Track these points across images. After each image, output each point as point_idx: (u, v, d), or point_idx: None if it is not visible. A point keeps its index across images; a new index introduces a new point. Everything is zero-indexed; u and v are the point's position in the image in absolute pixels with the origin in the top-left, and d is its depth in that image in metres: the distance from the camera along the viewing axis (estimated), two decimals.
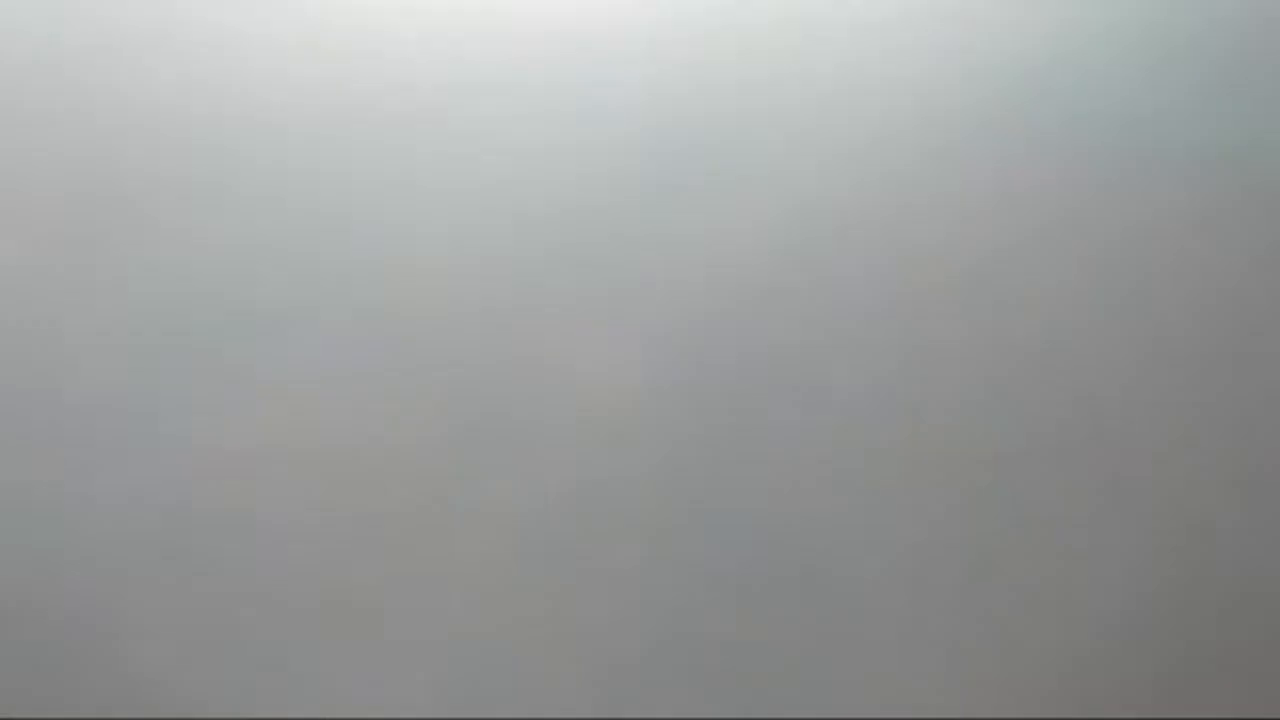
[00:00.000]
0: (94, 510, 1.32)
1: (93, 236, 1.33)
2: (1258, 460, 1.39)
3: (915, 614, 1.36)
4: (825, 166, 1.38)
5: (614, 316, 1.36)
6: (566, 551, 1.36)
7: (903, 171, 1.39)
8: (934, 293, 1.38)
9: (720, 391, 1.37)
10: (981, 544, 1.37)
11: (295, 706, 1.33)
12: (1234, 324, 1.40)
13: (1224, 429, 1.40)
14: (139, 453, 1.33)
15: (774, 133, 1.38)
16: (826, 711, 1.35)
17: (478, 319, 1.35)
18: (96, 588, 1.32)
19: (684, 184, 1.37)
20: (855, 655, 1.36)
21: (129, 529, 1.32)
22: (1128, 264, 1.40)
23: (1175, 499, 1.39)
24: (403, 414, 1.35)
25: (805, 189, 1.38)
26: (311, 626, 1.33)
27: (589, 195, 1.36)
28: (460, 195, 1.36)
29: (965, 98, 1.39)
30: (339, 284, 1.35)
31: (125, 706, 1.32)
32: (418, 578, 1.35)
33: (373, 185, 1.36)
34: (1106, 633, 1.37)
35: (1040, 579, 1.37)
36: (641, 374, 1.36)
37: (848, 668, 1.35)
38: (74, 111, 1.34)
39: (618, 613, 1.35)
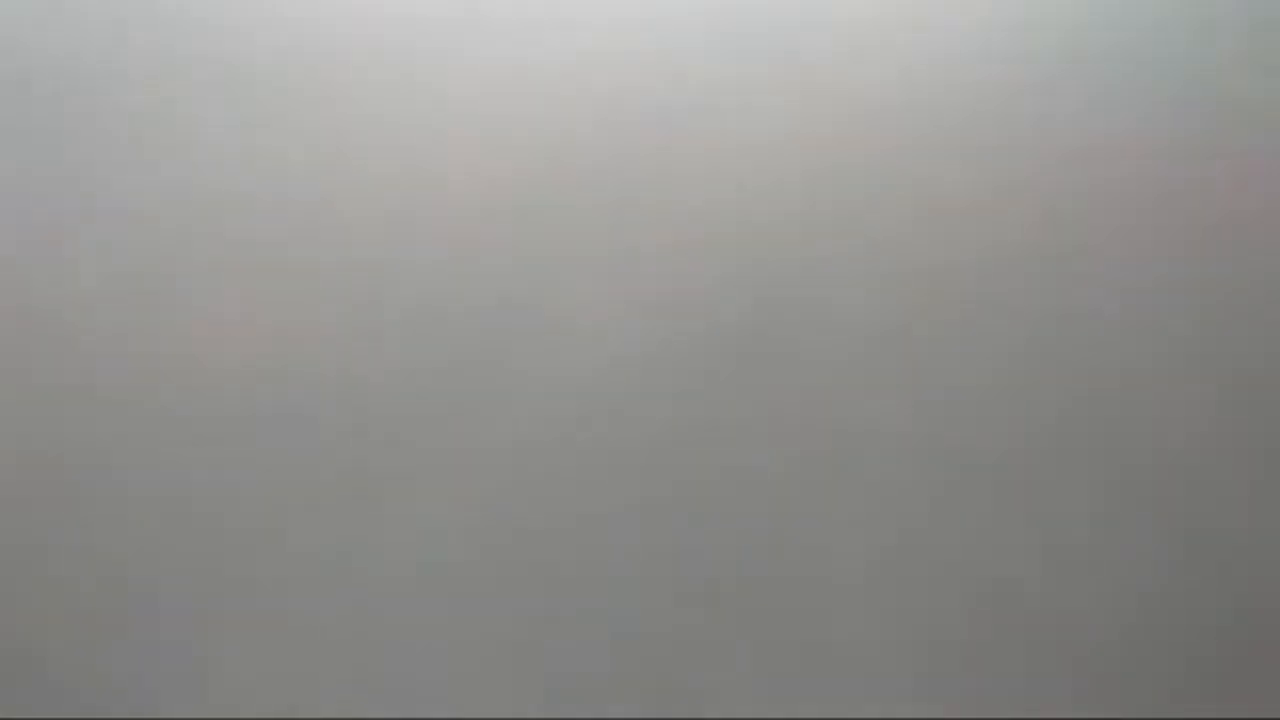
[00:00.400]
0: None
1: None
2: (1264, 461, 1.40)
3: (896, 610, 1.36)
4: (837, 127, 1.38)
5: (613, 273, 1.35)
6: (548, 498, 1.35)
7: (922, 138, 1.39)
8: (941, 279, 1.39)
9: (713, 362, 1.36)
10: (974, 539, 1.37)
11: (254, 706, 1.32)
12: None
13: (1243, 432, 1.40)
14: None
15: (776, 99, 1.38)
16: (806, 710, 1.35)
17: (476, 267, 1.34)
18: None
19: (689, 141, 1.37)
20: (833, 647, 1.36)
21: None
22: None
23: (1180, 501, 1.39)
24: (387, 357, 1.34)
25: (813, 150, 1.37)
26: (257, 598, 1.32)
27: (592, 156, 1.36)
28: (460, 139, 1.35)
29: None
30: (328, 227, 1.33)
31: (107, 705, 1.31)
32: (395, 533, 1.33)
33: (364, 123, 1.34)
34: (1109, 633, 1.38)
35: (1037, 580, 1.38)
36: (638, 336, 1.35)
37: (825, 661, 1.35)
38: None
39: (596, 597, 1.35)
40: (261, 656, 1.31)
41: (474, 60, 1.36)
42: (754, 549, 1.35)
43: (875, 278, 1.38)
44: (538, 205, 1.36)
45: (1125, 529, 1.39)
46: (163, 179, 1.33)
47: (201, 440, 1.32)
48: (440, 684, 1.32)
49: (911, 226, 1.39)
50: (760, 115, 1.38)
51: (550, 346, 1.35)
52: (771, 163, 1.38)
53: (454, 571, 1.33)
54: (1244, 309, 1.41)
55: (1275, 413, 1.40)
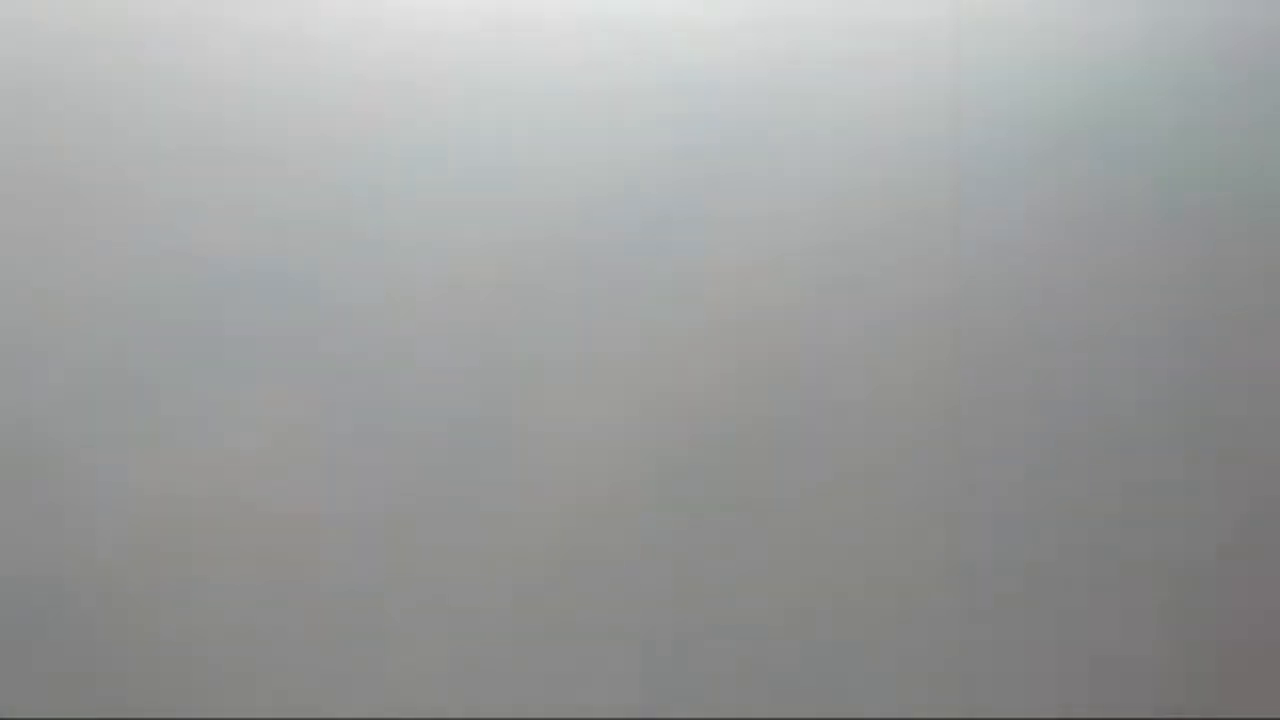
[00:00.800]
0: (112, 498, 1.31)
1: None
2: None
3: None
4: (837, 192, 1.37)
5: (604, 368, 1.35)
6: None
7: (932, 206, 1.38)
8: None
9: (721, 459, 1.35)
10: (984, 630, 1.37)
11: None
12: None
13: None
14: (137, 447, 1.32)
15: (776, 168, 1.37)
16: None
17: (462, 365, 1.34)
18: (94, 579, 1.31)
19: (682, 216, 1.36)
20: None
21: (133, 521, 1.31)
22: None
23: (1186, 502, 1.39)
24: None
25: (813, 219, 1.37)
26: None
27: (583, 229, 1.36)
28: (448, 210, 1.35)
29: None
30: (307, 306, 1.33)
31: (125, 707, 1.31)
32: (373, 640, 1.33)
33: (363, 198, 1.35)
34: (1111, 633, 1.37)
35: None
36: (634, 437, 1.34)
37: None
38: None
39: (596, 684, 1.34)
40: None
41: (437, 174, 1.36)
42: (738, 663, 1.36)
43: (869, 406, 1.38)
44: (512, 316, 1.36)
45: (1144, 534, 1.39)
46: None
47: (170, 543, 1.32)
48: None
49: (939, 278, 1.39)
50: (740, 232, 1.38)
51: (527, 458, 1.34)
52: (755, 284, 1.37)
53: (432, 673, 1.33)
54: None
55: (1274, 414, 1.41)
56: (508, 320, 1.34)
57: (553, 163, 1.33)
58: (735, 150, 1.35)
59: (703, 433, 1.34)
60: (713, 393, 1.35)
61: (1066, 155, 1.38)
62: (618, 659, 1.34)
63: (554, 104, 1.34)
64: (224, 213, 1.31)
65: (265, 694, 1.30)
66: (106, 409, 1.30)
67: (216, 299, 1.30)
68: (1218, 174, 1.39)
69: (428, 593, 1.33)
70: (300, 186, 1.31)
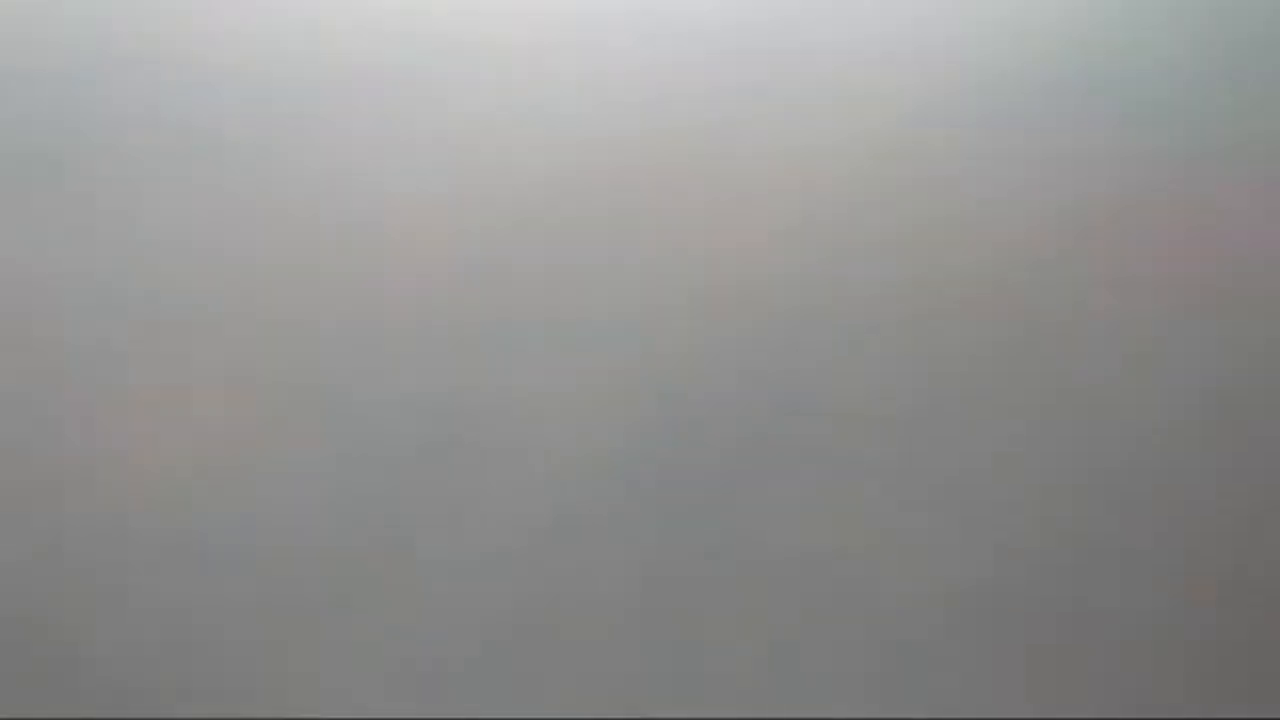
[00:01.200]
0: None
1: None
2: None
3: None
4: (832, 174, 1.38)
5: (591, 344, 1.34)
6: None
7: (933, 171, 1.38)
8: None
9: (712, 434, 1.33)
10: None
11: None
12: None
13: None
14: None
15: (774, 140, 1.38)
16: None
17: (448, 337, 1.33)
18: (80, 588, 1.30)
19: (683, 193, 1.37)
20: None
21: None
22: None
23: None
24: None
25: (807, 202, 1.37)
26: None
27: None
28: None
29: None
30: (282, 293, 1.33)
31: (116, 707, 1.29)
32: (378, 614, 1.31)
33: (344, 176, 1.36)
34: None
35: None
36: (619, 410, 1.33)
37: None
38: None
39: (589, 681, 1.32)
40: None
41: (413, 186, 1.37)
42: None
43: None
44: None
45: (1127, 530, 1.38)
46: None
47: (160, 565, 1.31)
48: None
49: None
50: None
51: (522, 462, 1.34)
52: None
53: (428, 680, 1.32)
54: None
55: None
56: (479, 299, 1.33)
57: (525, 143, 1.35)
58: (717, 126, 1.37)
59: (681, 406, 1.34)
60: (690, 368, 1.34)
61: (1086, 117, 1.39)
62: (600, 642, 1.32)
63: (529, 84, 1.36)
64: (196, 204, 1.33)
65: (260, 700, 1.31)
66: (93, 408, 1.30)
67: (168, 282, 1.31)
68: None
69: (409, 571, 1.31)
70: (269, 176, 1.33)
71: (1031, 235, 1.38)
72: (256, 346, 1.31)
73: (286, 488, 1.30)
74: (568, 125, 1.36)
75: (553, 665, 1.31)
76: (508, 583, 1.31)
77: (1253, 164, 1.40)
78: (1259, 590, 1.37)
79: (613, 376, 1.33)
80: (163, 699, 1.24)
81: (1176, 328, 1.39)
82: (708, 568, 1.33)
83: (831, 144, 1.38)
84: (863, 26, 1.40)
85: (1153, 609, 1.37)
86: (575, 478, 1.32)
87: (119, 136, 1.34)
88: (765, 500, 1.33)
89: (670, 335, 1.35)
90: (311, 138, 1.35)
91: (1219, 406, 1.39)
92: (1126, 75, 1.41)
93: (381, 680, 1.29)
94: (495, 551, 1.31)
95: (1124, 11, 1.42)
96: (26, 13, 1.37)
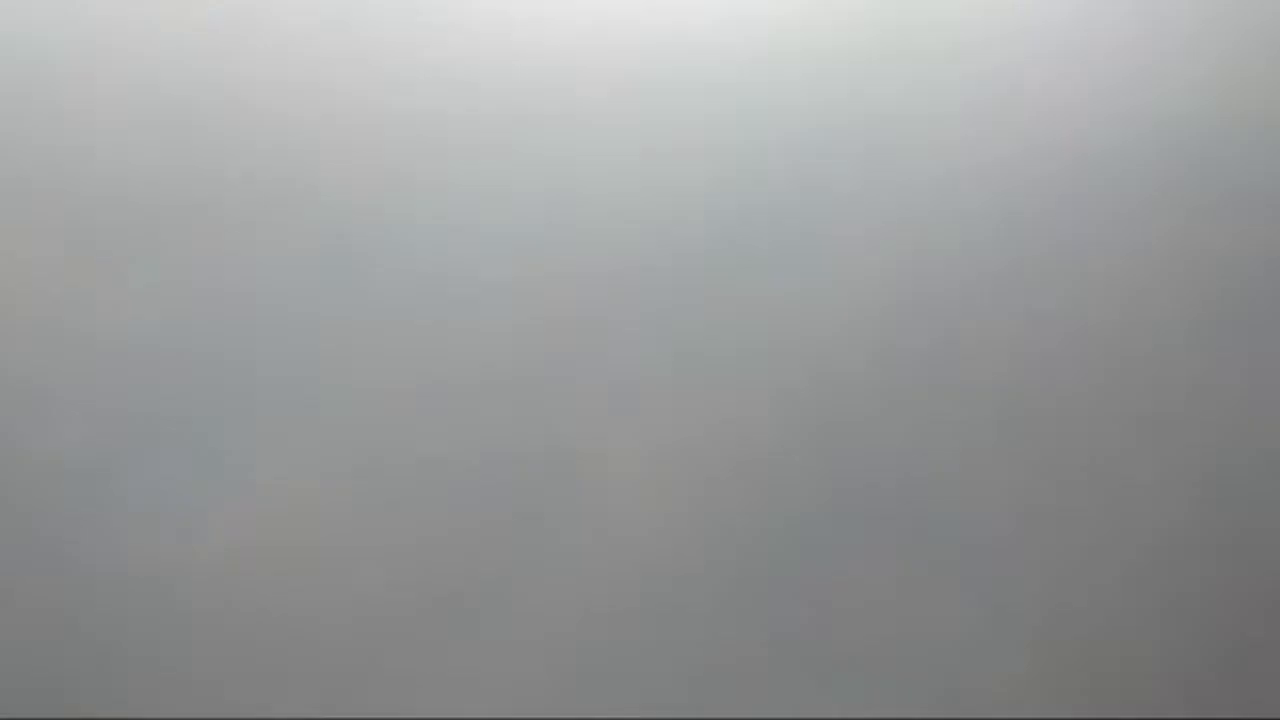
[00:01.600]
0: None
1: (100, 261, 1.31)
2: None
3: None
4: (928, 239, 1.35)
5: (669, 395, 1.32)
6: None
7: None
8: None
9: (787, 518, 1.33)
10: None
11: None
12: None
13: None
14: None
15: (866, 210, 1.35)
16: None
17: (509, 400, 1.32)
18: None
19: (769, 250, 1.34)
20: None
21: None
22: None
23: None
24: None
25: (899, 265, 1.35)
26: None
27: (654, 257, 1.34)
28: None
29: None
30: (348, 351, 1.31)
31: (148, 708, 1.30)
32: (436, 688, 1.31)
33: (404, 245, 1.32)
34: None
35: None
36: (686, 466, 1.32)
37: None
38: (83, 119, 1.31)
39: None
40: None
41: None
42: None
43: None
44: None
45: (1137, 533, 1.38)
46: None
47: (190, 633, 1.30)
48: None
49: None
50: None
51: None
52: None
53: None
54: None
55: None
56: (565, 350, 1.33)
57: (611, 192, 1.32)
58: (794, 182, 1.34)
59: (752, 461, 1.33)
60: (762, 419, 1.33)
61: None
62: (669, 672, 1.33)
63: (611, 134, 1.32)
64: (267, 247, 1.30)
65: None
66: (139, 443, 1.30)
67: (251, 333, 1.30)
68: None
69: (497, 610, 1.32)
70: (348, 220, 1.31)
71: None
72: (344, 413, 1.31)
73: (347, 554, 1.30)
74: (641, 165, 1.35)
75: None
76: None
77: None
78: None
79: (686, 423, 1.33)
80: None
81: None
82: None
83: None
84: None
85: None
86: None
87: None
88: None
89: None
90: (397, 193, 1.31)
91: None
92: None
93: None
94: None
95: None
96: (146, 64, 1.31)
